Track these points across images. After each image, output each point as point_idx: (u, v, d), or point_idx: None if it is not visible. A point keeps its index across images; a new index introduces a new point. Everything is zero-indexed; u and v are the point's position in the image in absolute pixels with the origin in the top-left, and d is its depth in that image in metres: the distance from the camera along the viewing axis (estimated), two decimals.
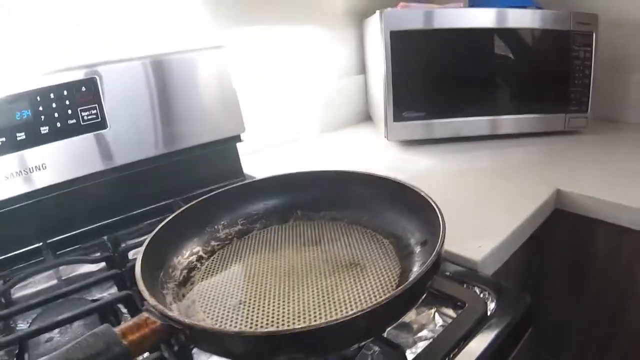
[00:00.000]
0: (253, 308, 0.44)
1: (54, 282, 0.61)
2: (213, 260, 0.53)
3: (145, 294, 0.36)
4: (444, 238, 0.42)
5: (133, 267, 0.53)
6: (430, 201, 0.49)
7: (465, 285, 0.52)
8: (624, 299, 0.76)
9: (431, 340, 0.45)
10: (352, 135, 1.16)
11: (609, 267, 0.76)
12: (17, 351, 0.48)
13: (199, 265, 0.52)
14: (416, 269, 0.46)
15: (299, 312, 0.42)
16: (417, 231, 0.51)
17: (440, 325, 0.48)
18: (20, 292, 0.59)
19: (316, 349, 0.34)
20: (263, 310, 0.43)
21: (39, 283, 0.61)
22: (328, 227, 0.58)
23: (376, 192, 0.58)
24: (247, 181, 0.61)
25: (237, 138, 0.81)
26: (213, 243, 0.56)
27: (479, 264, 0.56)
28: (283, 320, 0.42)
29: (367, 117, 1.28)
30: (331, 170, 0.62)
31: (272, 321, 0.42)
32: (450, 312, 0.49)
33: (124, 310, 0.52)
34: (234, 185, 0.60)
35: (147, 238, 0.46)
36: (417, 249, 0.49)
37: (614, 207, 0.69)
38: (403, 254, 0.50)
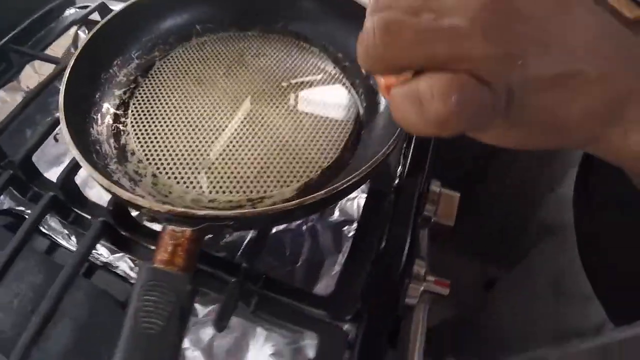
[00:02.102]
0: (232, 162, 0.40)
1: None
2: (134, 115, 0.44)
3: (146, 201, 0.30)
4: None
5: (25, 157, 0.42)
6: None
7: None
8: None
9: None
10: None
11: None
12: None
13: (121, 127, 0.43)
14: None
15: (288, 154, 0.40)
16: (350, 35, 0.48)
17: None
18: None
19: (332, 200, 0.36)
20: (246, 163, 0.40)
21: None
22: (240, 39, 0.51)
23: None
24: (125, 5, 0.46)
25: None
26: (117, 92, 0.46)
27: None
28: (281, 170, 0.39)
29: None
30: None
31: (270, 174, 0.39)
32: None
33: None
34: (110, 17, 0.45)
35: (63, 123, 0.35)
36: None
37: None
38: (342, 64, 0.49)
